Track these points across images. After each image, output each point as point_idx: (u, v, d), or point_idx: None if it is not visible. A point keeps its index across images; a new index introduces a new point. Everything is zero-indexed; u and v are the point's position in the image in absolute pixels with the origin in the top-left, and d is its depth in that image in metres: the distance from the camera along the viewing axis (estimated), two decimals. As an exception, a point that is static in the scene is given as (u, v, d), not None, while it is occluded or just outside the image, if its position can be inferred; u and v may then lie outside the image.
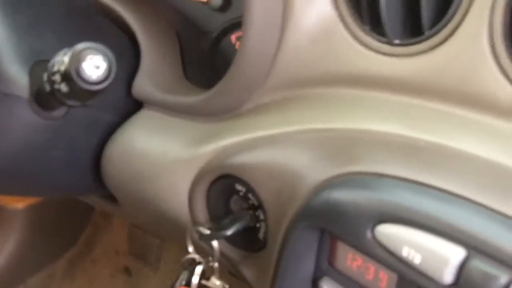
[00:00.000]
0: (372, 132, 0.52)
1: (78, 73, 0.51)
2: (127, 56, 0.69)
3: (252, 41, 0.57)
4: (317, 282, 0.55)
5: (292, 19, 0.57)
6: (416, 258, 0.45)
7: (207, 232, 0.60)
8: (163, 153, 0.64)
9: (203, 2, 0.75)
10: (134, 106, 0.70)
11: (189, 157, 0.62)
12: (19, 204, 1.11)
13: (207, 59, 0.74)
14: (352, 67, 0.57)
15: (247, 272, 0.63)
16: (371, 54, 0.56)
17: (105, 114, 0.68)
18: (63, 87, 0.53)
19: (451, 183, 0.46)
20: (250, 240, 0.61)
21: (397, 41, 0.54)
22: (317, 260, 0.55)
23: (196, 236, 0.61)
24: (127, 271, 1.33)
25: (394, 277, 0.50)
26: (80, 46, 0.51)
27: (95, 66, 0.51)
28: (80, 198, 0.86)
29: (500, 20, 0.49)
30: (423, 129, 0.51)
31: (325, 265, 0.55)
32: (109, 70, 0.52)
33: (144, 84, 0.68)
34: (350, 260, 0.53)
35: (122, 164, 0.67)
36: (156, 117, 0.68)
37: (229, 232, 0.59)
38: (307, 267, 0.55)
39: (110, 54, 0.52)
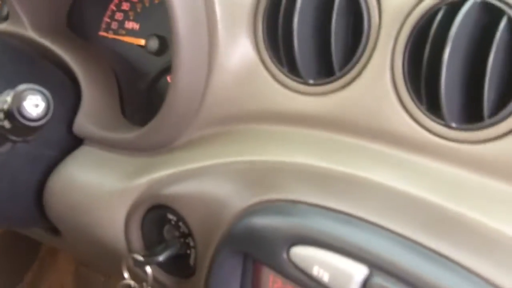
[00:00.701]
0: (289, 163, 0.57)
1: (20, 111, 0.56)
2: (68, 96, 0.74)
3: (181, 82, 0.62)
4: (242, 304, 0.59)
5: (217, 62, 0.62)
6: (325, 276, 0.50)
7: (141, 258, 0.64)
8: (100, 186, 0.68)
9: (141, 46, 0.80)
10: (75, 142, 0.74)
11: (124, 189, 0.66)
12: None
13: (145, 99, 0.79)
14: (273, 105, 0.62)
15: (180, 297, 0.67)
16: (289, 93, 0.61)
17: (48, 150, 0.72)
18: (6, 124, 0.57)
19: (357, 208, 0.52)
20: (182, 267, 0.65)
21: (311, 81, 0.60)
22: (242, 284, 0.59)
23: (131, 262, 0.65)
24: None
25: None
26: (21, 87, 0.56)
27: (34, 104, 0.56)
28: (24, 231, 0.89)
29: (400, 62, 0.55)
30: (335, 160, 0.56)
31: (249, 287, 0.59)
32: (47, 108, 0.57)
33: (84, 122, 0.73)
34: (271, 283, 0.57)
35: (63, 196, 0.71)
36: (95, 153, 0.72)
37: (161, 258, 0.63)
38: (232, 288, 0.59)
39: (48, 94, 0.56)
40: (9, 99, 0.55)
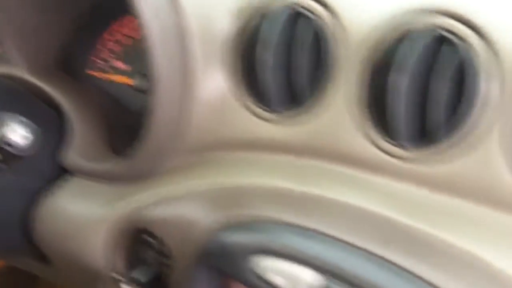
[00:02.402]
0: (257, 185, 0.62)
1: (7, 141, 0.61)
2: (54, 129, 0.78)
3: (159, 115, 0.67)
4: (217, 318, 0.63)
5: (193, 94, 0.67)
6: (281, 283, 0.54)
7: (123, 278, 0.68)
8: (86, 213, 0.73)
9: (128, 84, 0.86)
10: (61, 173, 0.78)
11: (108, 215, 0.71)
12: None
13: (133, 134, 0.84)
14: (245, 133, 0.67)
15: (158, 317, 0.71)
16: (260, 122, 0.66)
17: (34, 180, 0.76)
18: None
19: (316, 223, 0.56)
20: (162, 286, 0.69)
21: (280, 111, 0.65)
22: (217, 299, 0.63)
23: (113, 283, 0.69)
24: None
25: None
26: (10, 119, 0.61)
27: (22, 136, 0.61)
28: (12, 262, 0.93)
29: (359, 92, 0.60)
30: (299, 181, 0.61)
31: (224, 302, 0.63)
32: (33, 139, 0.62)
33: (74, 156, 0.77)
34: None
35: (52, 224, 0.75)
36: (82, 183, 0.77)
37: (142, 278, 0.67)
38: (209, 303, 0.63)
39: (34, 126, 0.62)
40: None
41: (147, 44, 0.64)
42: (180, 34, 0.67)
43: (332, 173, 0.61)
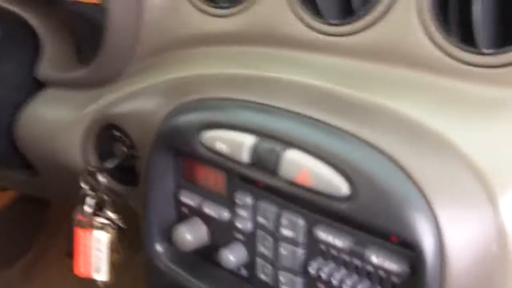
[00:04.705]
0: (206, 74, 0.69)
1: None
2: (27, 47, 0.86)
3: (114, 20, 0.73)
4: (177, 195, 0.70)
5: None
6: (224, 148, 0.60)
7: (93, 168, 0.76)
8: (61, 118, 0.81)
9: (96, 4, 0.91)
10: (38, 86, 0.86)
11: (80, 117, 0.79)
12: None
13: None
14: (195, 30, 0.74)
15: (132, 203, 0.78)
16: (207, 17, 0.73)
17: (13, 93, 0.84)
18: None
19: (251, 95, 0.62)
20: (131, 176, 0.77)
21: (224, 5, 0.71)
22: (175, 177, 0.70)
23: (85, 173, 0.77)
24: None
25: (225, 177, 0.65)
26: None
27: None
28: (5, 180, 1.01)
29: None
30: (242, 65, 0.68)
31: (182, 180, 0.70)
32: None
33: (45, 68, 0.85)
34: (197, 172, 0.68)
35: (32, 131, 0.83)
36: (56, 93, 0.85)
37: (108, 165, 0.75)
38: (168, 183, 0.70)
39: None
40: None
41: None
42: None
43: (270, 55, 0.68)
